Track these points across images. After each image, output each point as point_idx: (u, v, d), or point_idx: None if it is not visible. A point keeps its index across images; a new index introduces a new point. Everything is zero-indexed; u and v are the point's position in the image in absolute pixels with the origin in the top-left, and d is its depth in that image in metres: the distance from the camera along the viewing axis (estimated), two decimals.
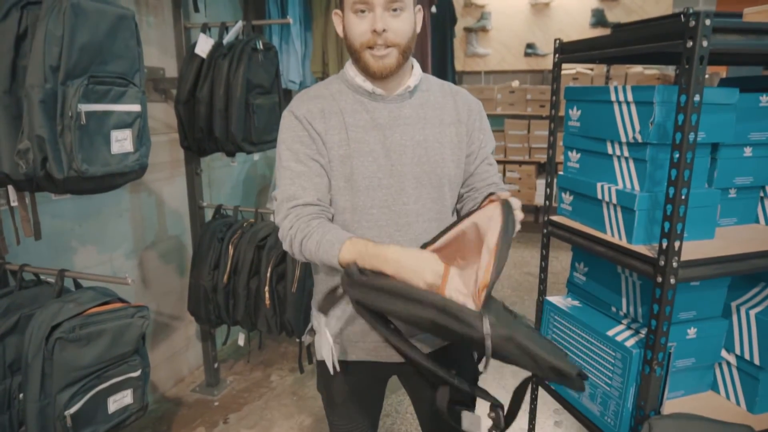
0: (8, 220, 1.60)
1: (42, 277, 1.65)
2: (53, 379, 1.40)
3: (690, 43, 1.09)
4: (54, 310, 1.44)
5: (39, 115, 1.25)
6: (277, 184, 1.18)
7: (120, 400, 1.57)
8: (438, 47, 4.27)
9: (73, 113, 1.29)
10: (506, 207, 0.98)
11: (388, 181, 1.16)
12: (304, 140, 1.14)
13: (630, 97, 1.35)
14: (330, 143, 1.14)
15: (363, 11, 1.09)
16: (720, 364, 1.53)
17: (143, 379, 1.64)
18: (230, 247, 2.27)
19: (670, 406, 1.45)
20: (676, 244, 1.18)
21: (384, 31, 1.08)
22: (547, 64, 5.28)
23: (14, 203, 1.49)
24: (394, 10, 1.09)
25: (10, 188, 1.46)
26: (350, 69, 1.19)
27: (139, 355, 1.62)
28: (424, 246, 1.10)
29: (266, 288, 2.20)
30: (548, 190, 1.72)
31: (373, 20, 1.08)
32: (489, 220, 0.99)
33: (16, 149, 1.28)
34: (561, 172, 1.67)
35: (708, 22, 1.06)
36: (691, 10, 2.36)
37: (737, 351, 1.48)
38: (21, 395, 1.44)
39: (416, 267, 0.95)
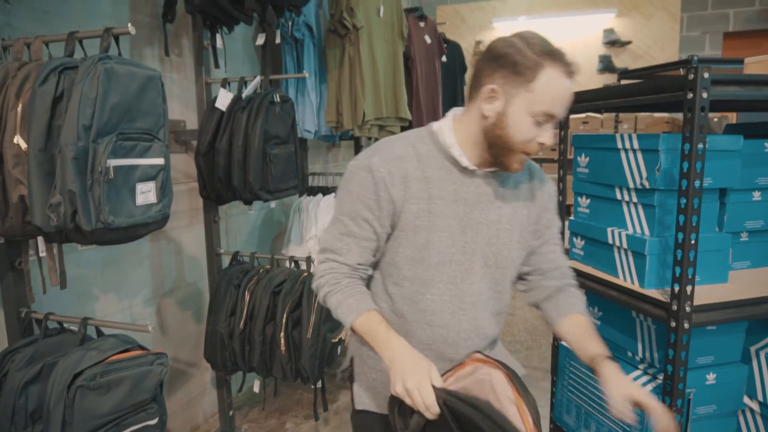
0: (35, 270, 1.66)
1: (65, 324, 1.69)
2: (73, 427, 1.42)
3: (690, 95, 1.13)
4: (77, 358, 1.47)
5: (71, 171, 1.32)
6: (328, 226, 1.17)
7: None
8: (449, 94, 4.39)
9: (103, 168, 1.35)
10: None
11: (459, 257, 1.14)
12: (369, 203, 1.11)
13: (636, 145, 1.39)
14: (407, 212, 1.11)
15: (542, 122, 1.05)
16: (743, 411, 1.50)
17: (160, 427, 1.64)
18: (246, 293, 2.29)
19: None
20: (688, 288, 1.19)
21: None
22: None
23: (42, 254, 1.55)
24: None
25: (40, 239, 1.52)
26: (448, 136, 1.13)
27: (156, 402, 1.63)
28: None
29: (282, 334, 2.21)
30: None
31: (547, 134, 1.06)
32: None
33: (48, 203, 1.34)
34: (572, 217, 1.70)
35: (706, 75, 1.10)
36: (695, 58, 2.42)
37: (760, 397, 1.45)
38: None
39: (406, 366, 0.97)
